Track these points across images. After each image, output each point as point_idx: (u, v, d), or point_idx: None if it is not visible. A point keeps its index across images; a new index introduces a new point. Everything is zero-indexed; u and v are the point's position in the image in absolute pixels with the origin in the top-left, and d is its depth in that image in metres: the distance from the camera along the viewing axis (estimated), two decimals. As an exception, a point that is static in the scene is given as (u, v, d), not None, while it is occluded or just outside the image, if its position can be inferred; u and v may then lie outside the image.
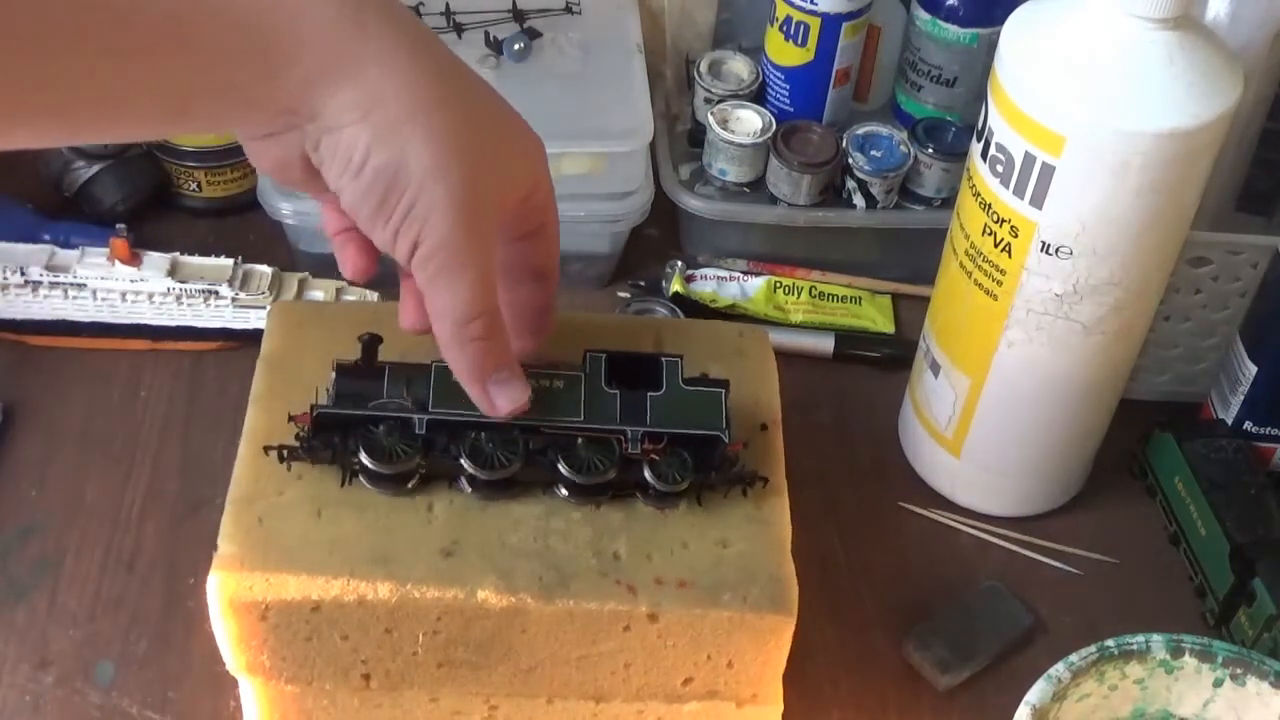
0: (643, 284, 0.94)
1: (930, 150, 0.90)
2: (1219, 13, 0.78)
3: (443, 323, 0.55)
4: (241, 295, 0.85)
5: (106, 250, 0.84)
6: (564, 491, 0.61)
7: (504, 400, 0.57)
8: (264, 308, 0.84)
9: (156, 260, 0.85)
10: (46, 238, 0.86)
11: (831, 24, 0.90)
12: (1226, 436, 0.82)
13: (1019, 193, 0.69)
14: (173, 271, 0.85)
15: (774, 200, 0.92)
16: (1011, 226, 0.70)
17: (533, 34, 0.94)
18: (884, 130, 0.92)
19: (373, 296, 0.86)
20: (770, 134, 0.91)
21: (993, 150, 0.70)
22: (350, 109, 0.50)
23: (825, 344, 0.91)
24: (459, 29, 0.94)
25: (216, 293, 0.85)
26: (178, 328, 0.86)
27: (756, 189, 0.93)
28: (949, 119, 0.93)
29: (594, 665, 0.61)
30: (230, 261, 0.86)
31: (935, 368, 0.80)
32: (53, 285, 0.84)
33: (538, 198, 0.58)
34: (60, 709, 0.70)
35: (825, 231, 0.93)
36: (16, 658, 0.71)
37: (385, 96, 0.50)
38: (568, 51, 0.94)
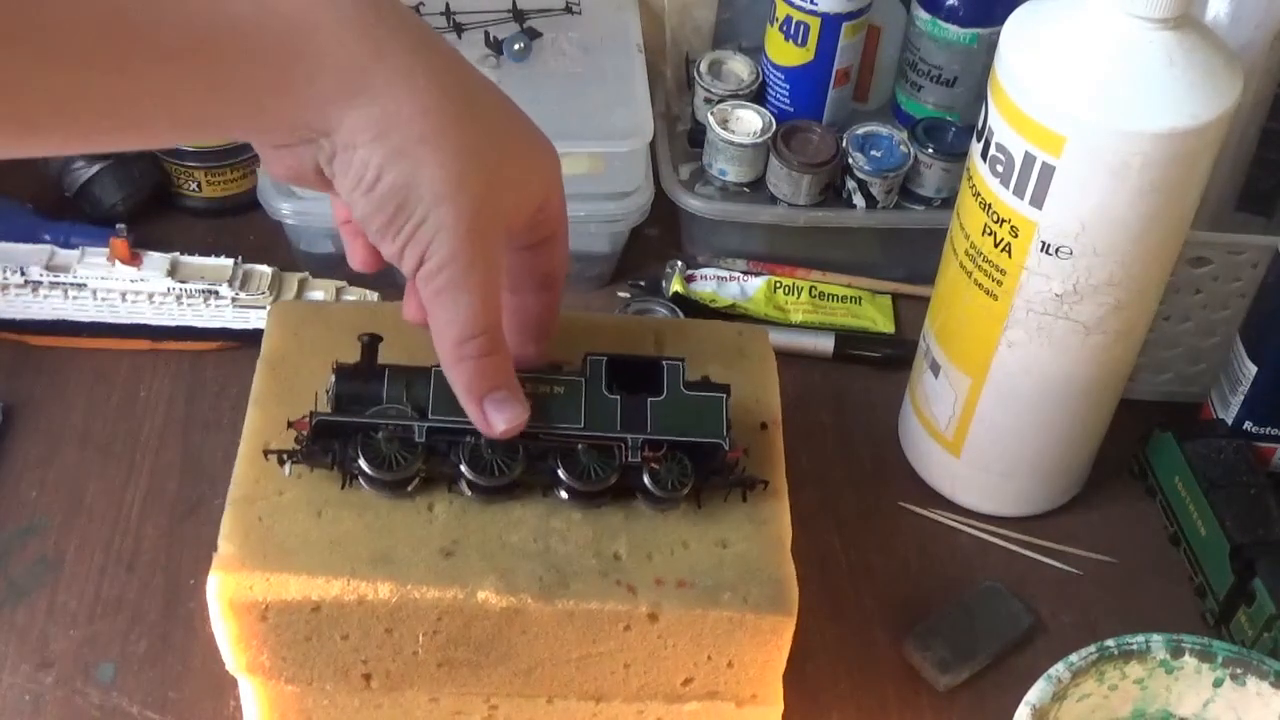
0: (643, 284, 0.94)
1: (930, 150, 0.90)
2: (1219, 13, 0.78)
3: (443, 339, 0.55)
4: (241, 295, 0.85)
5: (106, 250, 0.84)
6: (564, 495, 0.61)
7: (500, 420, 0.57)
8: (264, 308, 0.84)
9: (156, 260, 0.85)
10: (46, 238, 0.86)
11: (831, 24, 0.90)
12: (1226, 436, 0.82)
13: (1019, 193, 0.69)
14: (173, 271, 0.85)
15: (774, 200, 0.92)
16: (1011, 226, 0.70)
17: (533, 34, 0.94)
18: (884, 130, 0.92)
19: (373, 296, 0.86)
20: (770, 134, 0.91)
21: (993, 150, 0.70)
22: (365, 128, 0.51)
23: (825, 344, 0.91)
24: (459, 29, 0.94)
25: (216, 293, 0.85)
26: (178, 328, 0.86)
27: (756, 189, 0.93)
28: (949, 119, 0.93)
29: (594, 665, 0.61)
30: (230, 261, 0.86)
31: (935, 368, 0.80)
32: (53, 285, 0.84)
33: (549, 210, 0.58)
34: (60, 709, 0.70)
35: (825, 231, 0.93)
36: (16, 658, 0.71)
37: (400, 117, 0.51)
38: (568, 51, 0.94)
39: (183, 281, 0.84)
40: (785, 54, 0.93)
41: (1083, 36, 0.66)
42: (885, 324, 0.94)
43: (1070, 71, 0.66)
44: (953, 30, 0.91)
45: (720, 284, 0.93)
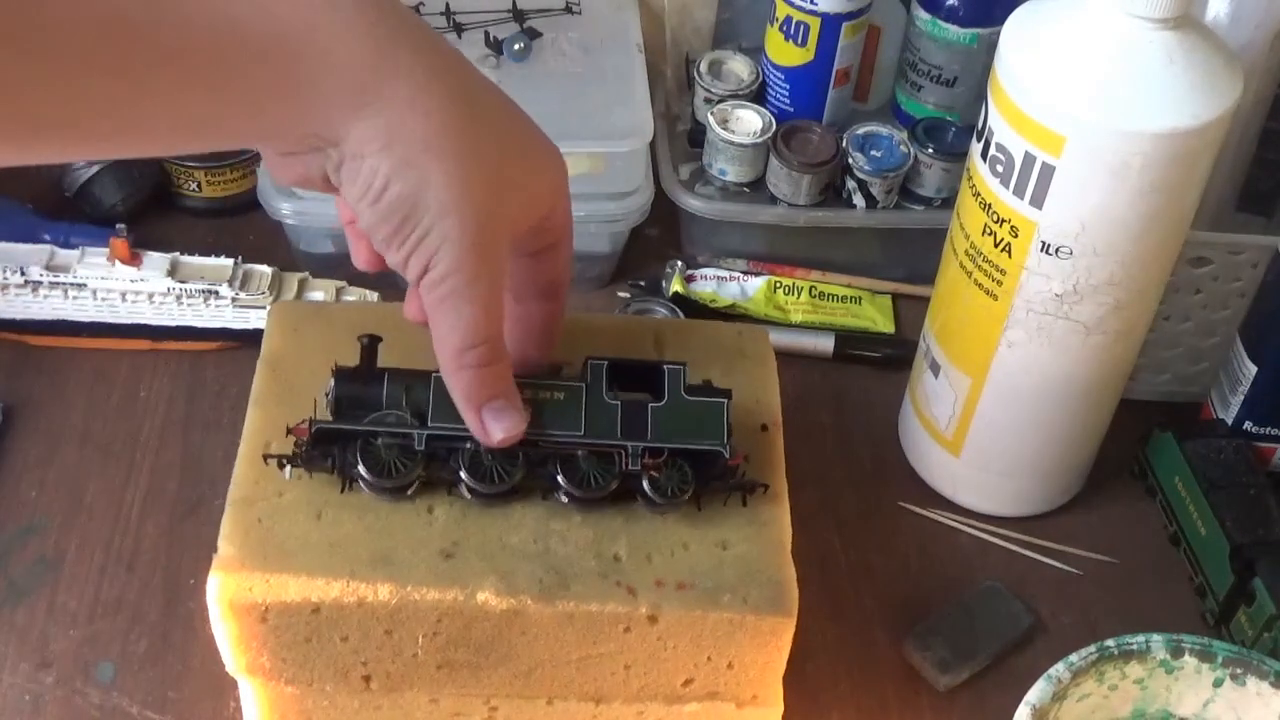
0: (643, 284, 0.94)
1: (930, 150, 0.90)
2: (1219, 13, 0.78)
3: (443, 346, 0.56)
4: (241, 295, 0.85)
5: (106, 250, 0.84)
6: (564, 499, 0.61)
7: (498, 429, 0.57)
8: (264, 308, 0.84)
9: (156, 260, 0.85)
10: (46, 238, 0.86)
11: (831, 24, 0.90)
12: (1226, 436, 0.82)
13: (1019, 193, 0.69)
14: (173, 271, 0.85)
15: (774, 200, 0.92)
16: (1011, 226, 0.70)
17: (533, 34, 0.94)
18: (884, 130, 0.92)
19: (373, 297, 0.86)
20: (770, 134, 0.91)
21: (993, 150, 0.69)
22: (373, 139, 0.51)
23: (825, 344, 0.91)
24: (459, 29, 0.94)
25: (216, 293, 0.85)
26: (178, 328, 0.86)
27: (756, 189, 0.93)
28: (949, 119, 0.93)
29: (594, 666, 0.61)
30: (230, 261, 0.86)
31: (935, 368, 0.80)
32: (53, 285, 0.84)
33: (555, 217, 0.58)
34: (60, 709, 0.70)
35: (825, 231, 0.93)
36: (16, 658, 0.71)
37: (408, 128, 0.51)
38: (568, 51, 0.94)
39: (183, 281, 0.84)
40: (785, 54, 0.93)
41: (1083, 36, 0.66)
42: (885, 324, 0.94)
43: (1070, 71, 0.66)
44: (953, 30, 0.91)
45: (720, 284, 0.93)
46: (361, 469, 0.59)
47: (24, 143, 0.47)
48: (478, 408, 0.57)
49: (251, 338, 0.83)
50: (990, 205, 0.71)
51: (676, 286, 0.92)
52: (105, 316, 0.85)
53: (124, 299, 0.84)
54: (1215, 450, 0.81)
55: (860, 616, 0.77)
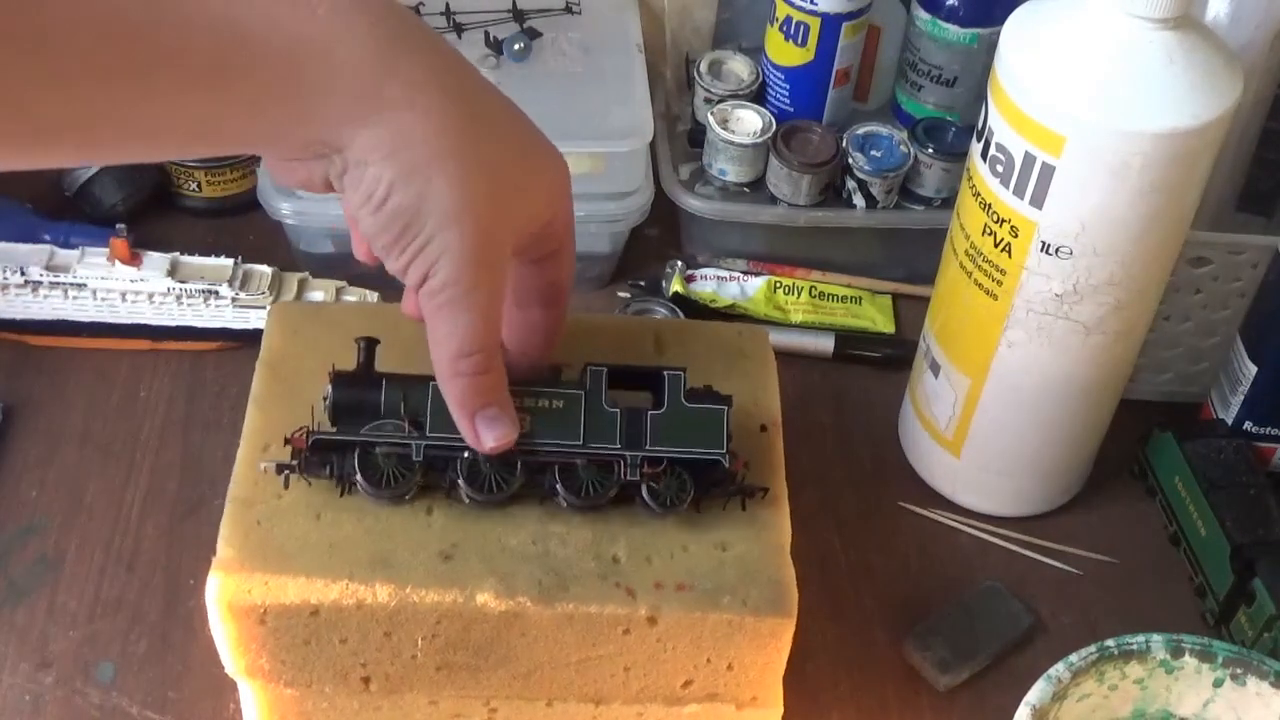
0: (643, 284, 0.94)
1: (930, 150, 0.90)
2: (1219, 13, 0.78)
3: (440, 353, 0.56)
4: (241, 295, 0.85)
5: (106, 250, 0.84)
6: (563, 502, 0.61)
7: (490, 437, 0.57)
8: (264, 308, 0.84)
9: (156, 260, 0.85)
10: (46, 238, 0.86)
11: (831, 24, 0.90)
12: (1226, 436, 0.82)
13: (1019, 193, 0.69)
14: (173, 271, 0.85)
15: (774, 200, 0.92)
16: (1011, 226, 0.70)
17: (533, 34, 0.94)
18: (884, 130, 0.92)
19: (373, 297, 0.86)
20: (770, 134, 0.91)
21: (993, 150, 0.69)
22: (376, 148, 0.51)
23: (825, 344, 0.91)
24: (459, 29, 0.94)
25: (216, 293, 0.85)
26: (178, 328, 0.86)
27: (756, 189, 0.93)
28: (949, 119, 0.93)
29: (594, 668, 0.61)
30: (230, 261, 0.86)
31: (935, 368, 0.80)
32: (53, 285, 0.84)
33: (556, 225, 0.58)
34: (60, 709, 0.70)
35: (825, 231, 0.93)
36: (16, 658, 0.71)
37: (412, 138, 0.51)
38: (568, 51, 0.94)
39: (183, 281, 0.84)
40: (785, 54, 0.93)
41: (1083, 36, 0.66)
42: (885, 324, 0.94)
43: (1070, 71, 0.66)
44: (953, 30, 0.91)
45: (720, 284, 0.93)
46: (360, 478, 0.59)
47: (24, 145, 0.47)
48: (471, 415, 0.57)
49: (251, 338, 0.83)
50: (990, 205, 0.71)
51: (676, 286, 0.92)
52: (105, 316, 0.85)
53: (124, 299, 0.84)
54: (1215, 450, 0.81)
55: (860, 616, 0.77)
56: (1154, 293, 0.74)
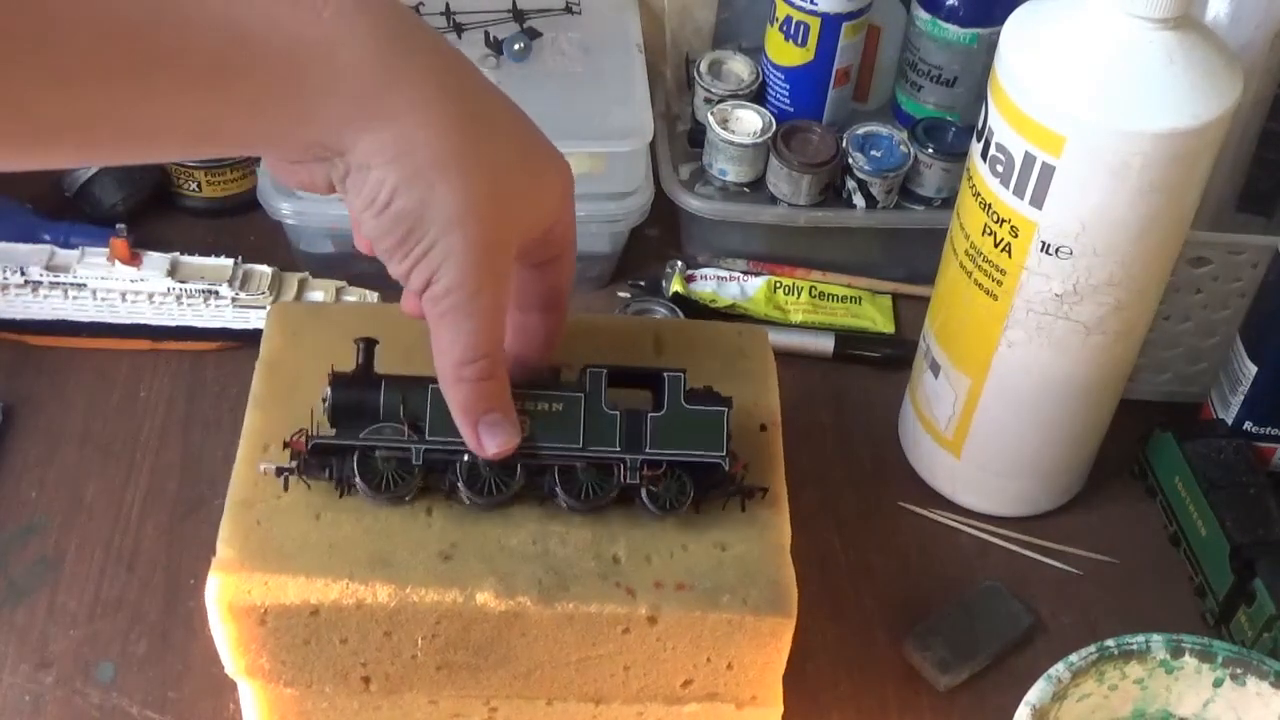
0: (643, 284, 0.94)
1: (930, 150, 0.90)
2: (1219, 13, 0.78)
3: (443, 359, 0.55)
4: (241, 295, 0.85)
5: (106, 250, 0.84)
6: (563, 504, 0.61)
7: (492, 442, 0.57)
8: (264, 308, 0.84)
9: (156, 260, 0.85)
10: (46, 238, 0.86)
11: (831, 24, 0.90)
12: (1226, 436, 0.82)
13: (1019, 193, 0.69)
14: (173, 271, 0.85)
15: (774, 200, 0.92)
16: (1011, 226, 0.70)
17: (533, 34, 0.94)
18: (884, 130, 0.92)
19: (372, 297, 0.86)
20: (770, 134, 0.91)
21: (993, 150, 0.69)
22: (379, 151, 0.50)
23: (825, 344, 0.91)
24: (459, 29, 0.94)
25: (216, 293, 0.85)
26: (178, 328, 0.86)
27: (756, 189, 0.93)
28: (949, 119, 0.93)
29: (593, 668, 0.61)
30: (230, 261, 0.86)
31: (935, 368, 0.80)
32: (53, 285, 0.84)
33: (559, 230, 0.58)
34: (60, 709, 0.70)
35: (825, 231, 0.93)
36: (16, 658, 0.71)
37: (415, 142, 0.51)
38: (568, 51, 0.94)
39: (183, 281, 0.84)
40: (785, 54, 0.93)
41: (1083, 36, 0.66)
42: (885, 324, 0.94)
43: (1070, 71, 0.66)
44: (953, 30, 0.91)
45: (720, 284, 0.93)
46: (359, 482, 0.59)
47: (24, 145, 0.47)
48: (474, 421, 0.57)
49: (251, 338, 0.83)
50: (990, 205, 0.71)
51: (676, 286, 0.92)
52: (105, 316, 0.85)
53: (124, 299, 0.84)
54: (1215, 450, 0.81)
55: (860, 616, 0.77)
56: (1154, 293, 0.74)
